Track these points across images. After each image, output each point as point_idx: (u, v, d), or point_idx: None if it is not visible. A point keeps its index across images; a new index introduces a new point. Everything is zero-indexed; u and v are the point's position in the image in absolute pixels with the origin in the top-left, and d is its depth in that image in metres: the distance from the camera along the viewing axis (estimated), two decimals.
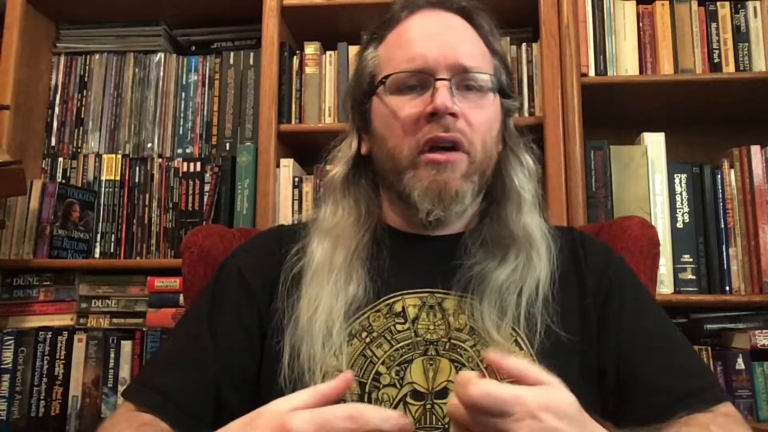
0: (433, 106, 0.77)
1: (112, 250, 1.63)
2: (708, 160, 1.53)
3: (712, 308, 1.46)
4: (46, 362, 1.51)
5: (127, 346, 1.52)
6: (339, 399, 0.52)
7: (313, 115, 1.59)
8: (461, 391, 0.50)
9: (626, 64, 1.52)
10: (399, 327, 0.77)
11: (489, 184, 0.85)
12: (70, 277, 1.59)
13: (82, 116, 1.74)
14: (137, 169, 1.66)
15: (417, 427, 0.72)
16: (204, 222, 1.56)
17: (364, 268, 0.79)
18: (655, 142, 1.48)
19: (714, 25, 1.53)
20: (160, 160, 1.66)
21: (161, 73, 1.73)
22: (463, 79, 0.80)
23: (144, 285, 1.55)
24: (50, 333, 1.52)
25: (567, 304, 0.78)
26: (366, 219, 0.84)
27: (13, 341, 1.51)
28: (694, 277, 1.44)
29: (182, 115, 1.71)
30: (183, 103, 1.71)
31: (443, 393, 0.73)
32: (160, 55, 1.74)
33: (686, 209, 1.46)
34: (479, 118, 0.80)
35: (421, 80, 0.80)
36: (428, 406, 0.73)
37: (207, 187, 1.58)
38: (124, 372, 1.51)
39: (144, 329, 1.53)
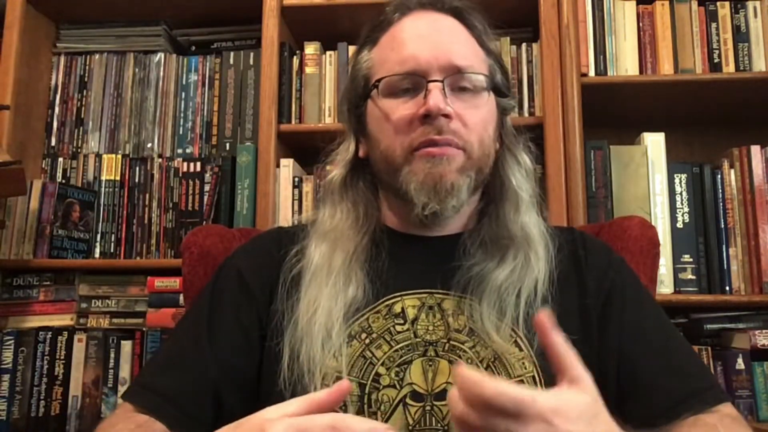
0: (425, 108, 0.76)
1: (112, 250, 1.63)
2: (708, 160, 1.53)
3: (712, 308, 1.46)
4: (46, 362, 1.51)
5: (127, 346, 1.53)
6: (336, 406, 0.52)
7: (313, 115, 1.59)
8: (471, 390, 0.47)
9: (626, 64, 1.52)
10: (398, 328, 0.77)
11: (486, 184, 0.85)
12: (70, 277, 1.59)
13: (82, 116, 1.73)
14: (137, 169, 1.65)
15: (417, 429, 0.72)
16: (204, 222, 1.56)
17: (363, 270, 0.79)
18: (655, 142, 1.48)
19: (714, 25, 1.53)
20: (160, 160, 1.66)
21: (161, 73, 1.73)
22: (456, 80, 0.79)
23: (144, 285, 1.55)
24: (50, 333, 1.52)
25: (567, 305, 0.78)
26: (364, 221, 0.83)
27: (13, 341, 1.51)
28: (694, 277, 1.44)
29: (182, 115, 1.71)
30: (183, 103, 1.71)
31: (443, 394, 0.73)
32: (160, 55, 1.74)
33: (686, 209, 1.46)
34: (474, 118, 0.80)
35: (413, 82, 0.79)
36: (428, 408, 0.73)
37: (207, 187, 1.58)
38: (124, 372, 1.52)
39: (144, 329, 1.53)
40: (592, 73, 1.51)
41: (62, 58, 1.76)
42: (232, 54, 1.69)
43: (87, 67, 1.75)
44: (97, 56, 1.76)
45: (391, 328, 0.77)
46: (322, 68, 1.62)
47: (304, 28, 1.64)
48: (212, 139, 1.68)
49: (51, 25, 1.77)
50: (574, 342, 0.76)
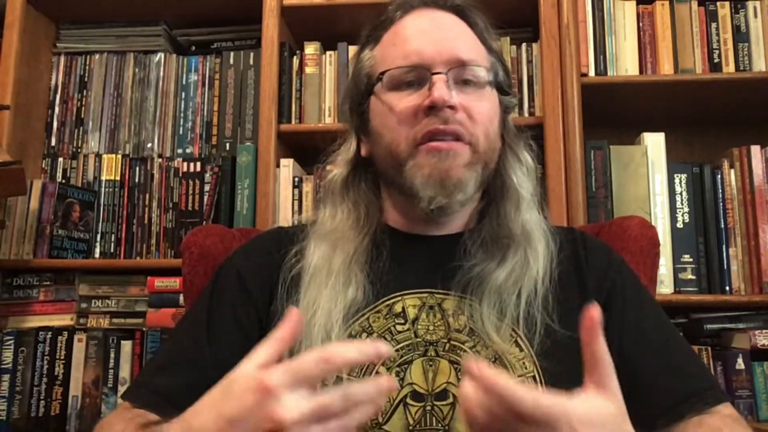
0: (430, 99, 0.76)
1: (112, 250, 1.63)
2: (708, 160, 1.53)
3: (712, 308, 1.46)
4: (46, 362, 1.51)
5: (127, 346, 1.52)
6: (293, 333, 0.51)
7: (313, 115, 1.59)
8: (506, 394, 0.47)
9: (626, 64, 1.52)
10: (399, 327, 0.77)
11: (488, 183, 0.85)
12: (70, 277, 1.59)
13: (82, 116, 1.73)
14: (137, 169, 1.65)
15: (417, 429, 0.72)
16: (204, 222, 1.56)
17: (363, 271, 0.79)
18: (655, 142, 1.48)
19: (714, 25, 1.53)
20: (160, 160, 1.66)
21: (161, 73, 1.73)
22: (460, 73, 0.80)
23: (144, 285, 1.55)
24: (50, 333, 1.52)
25: (567, 304, 0.78)
26: (365, 222, 0.83)
27: (13, 341, 1.51)
28: (694, 277, 1.44)
29: (182, 115, 1.70)
30: (183, 103, 1.71)
31: (443, 394, 0.73)
32: (160, 55, 1.74)
33: (686, 209, 1.46)
34: (480, 109, 0.80)
35: (418, 76, 0.79)
36: (428, 408, 0.73)
37: (207, 187, 1.58)
38: (124, 372, 1.51)
39: (144, 329, 1.53)
40: (592, 73, 1.51)
41: (62, 58, 1.76)
42: (232, 54, 1.69)
43: (87, 67, 1.75)
44: (97, 56, 1.76)
45: (392, 328, 0.77)
46: (322, 68, 1.62)
47: (304, 28, 1.64)
48: (212, 139, 1.68)
49: (51, 25, 1.76)
50: (575, 341, 0.76)
